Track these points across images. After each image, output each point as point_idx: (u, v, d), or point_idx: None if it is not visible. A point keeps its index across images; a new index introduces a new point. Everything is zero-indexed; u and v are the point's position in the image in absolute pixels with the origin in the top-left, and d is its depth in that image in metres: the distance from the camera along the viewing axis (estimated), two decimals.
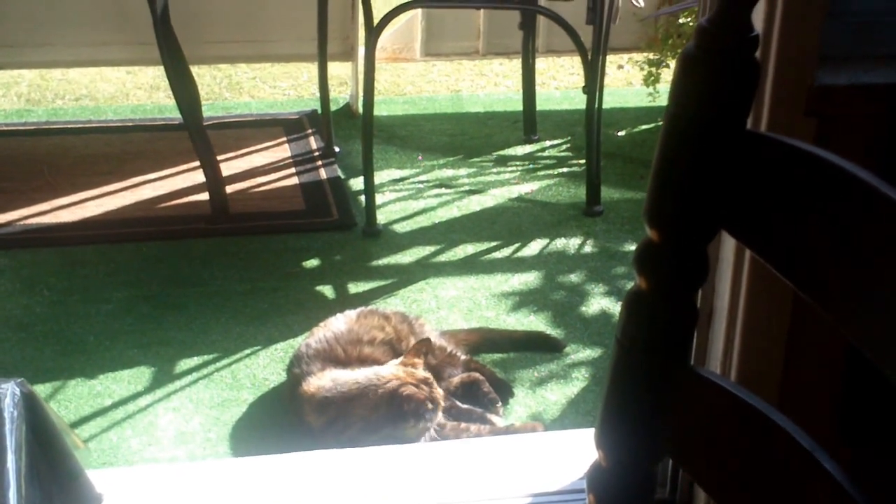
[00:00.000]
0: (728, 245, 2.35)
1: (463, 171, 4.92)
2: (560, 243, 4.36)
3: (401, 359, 3.33)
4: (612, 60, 5.16)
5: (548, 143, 5.18)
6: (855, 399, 2.42)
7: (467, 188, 4.77)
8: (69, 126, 5.19)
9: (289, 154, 4.98)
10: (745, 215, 1.18)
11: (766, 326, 2.35)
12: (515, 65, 5.70)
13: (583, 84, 4.61)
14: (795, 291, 1.15)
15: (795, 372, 2.40)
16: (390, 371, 3.27)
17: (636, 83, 5.68)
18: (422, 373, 3.28)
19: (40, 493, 1.88)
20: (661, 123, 4.44)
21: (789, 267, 1.16)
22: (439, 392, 3.25)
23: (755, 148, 1.16)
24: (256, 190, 4.69)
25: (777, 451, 1.17)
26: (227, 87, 5.76)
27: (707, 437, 1.26)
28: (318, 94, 5.09)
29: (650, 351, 1.26)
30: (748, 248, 1.20)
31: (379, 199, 4.55)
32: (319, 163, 4.90)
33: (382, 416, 3.18)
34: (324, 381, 3.30)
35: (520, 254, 4.30)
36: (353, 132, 5.06)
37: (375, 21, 4.38)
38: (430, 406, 3.18)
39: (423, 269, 4.18)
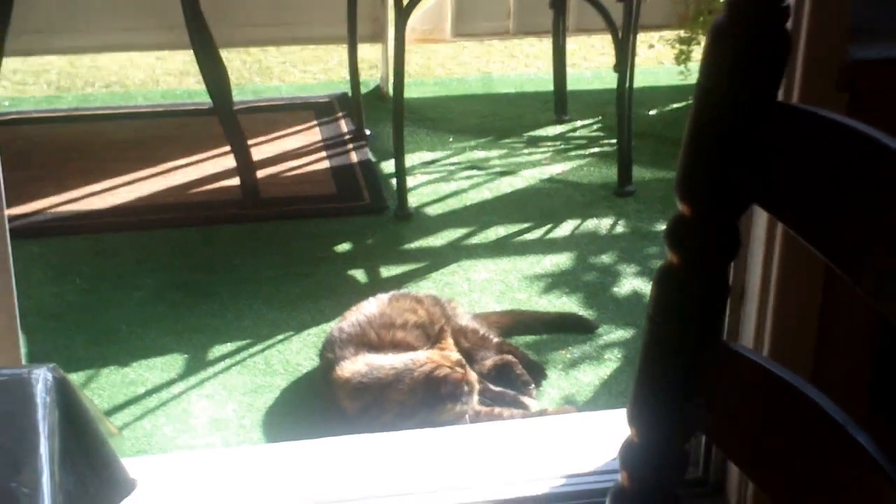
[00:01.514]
0: (760, 221, 2.34)
1: (494, 153, 4.91)
2: (592, 224, 4.34)
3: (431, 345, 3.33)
4: (642, 39, 5.13)
5: (579, 123, 5.15)
6: (888, 373, 2.40)
7: (498, 170, 4.76)
8: (99, 112, 5.19)
9: (319, 138, 4.97)
10: (778, 189, 1.17)
11: (798, 302, 2.34)
12: (546, 45, 5.67)
13: (613, 63, 4.59)
14: (828, 266, 1.14)
15: (828, 347, 2.38)
16: (425, 355, 3.27)
17: (667, 62, 5.65)
18: (455, 355, 3.28)
19: (74, 478, 1.88)
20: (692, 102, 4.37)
21: (822, 241, 1.15)
22: (473, 375, 3.25)
23: (787, 120, 1.15)
24: (287, 174, 4.69)
25: (810, 426, 1.16)
26: (257, 72, 5.75)
27: (740, 412, 1.25)
28: (348, 78, 5.08)
29: (682, 326, 1.26)
30: (780, 222, 1.19)
31: (410, 181, 4.54)
32: (350, 146, 4.89)
33: (420, 401, 3.17)
34: (358, 365, 3.30)
35: (551, 235, 4.28)
36: (384, 115, 5.04)
37: (405, 2, 4.36)
38: (466, 388, 3.18)
39: (455, 252, 4.17)
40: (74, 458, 1.95)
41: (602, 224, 4.34)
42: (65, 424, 1.94)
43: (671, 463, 1.33)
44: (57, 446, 1.84)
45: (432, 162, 4.83)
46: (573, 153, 4.89)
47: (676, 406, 1.28)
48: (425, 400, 3.17)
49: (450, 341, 3.30)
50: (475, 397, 3.21)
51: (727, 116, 1.18)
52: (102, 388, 3.43)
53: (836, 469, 1.13)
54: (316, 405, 3.38)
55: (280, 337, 3.69)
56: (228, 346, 3.64)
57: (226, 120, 4.33)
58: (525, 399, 3.35)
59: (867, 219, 1.09)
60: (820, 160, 1.13)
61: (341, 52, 5.63)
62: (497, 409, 3.27)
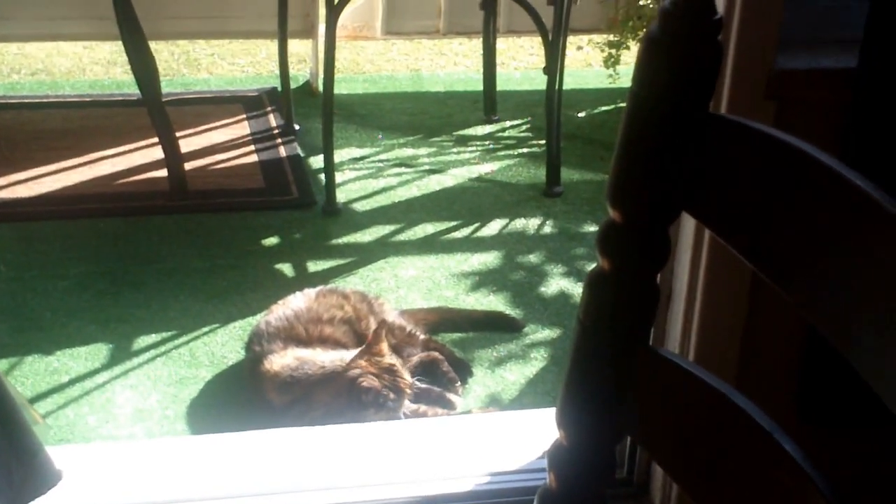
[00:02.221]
0: (687, 227, 2.36)
1: (423, 151, 4.92)
2: (519, 224, 4.37)
3: (365, 346, 3.32)
4: (571, 42, 5.15)
5: (508, 123, 5.18)
6: (813, 379, 2.43)
7: (427, 168, 4.77)
8: (26, 101, 5.16)
9: (248, 131, 4.96)
10: (708, 197, 1.19)
11: (724, 308, 2.37)
12: (475, 44, 5.70)
13: (542, 65, 4.61)
14: (754, 273, 1.16)
15: (754, 353, 2.41)
16: (355, 361, 3.26)
17: (595, 64, 5.69)
18: (388, 360, 3.27)
19: None
20: (620, 105, 4.47)
21: (750, 249, 1.16)
22: (406, 380, 3.24)
23: (718, 131, 1.17)
24: (215, 167, 4.68)
25: (736, 432, 1.18)
26: (185, 64, 5.73)
27: (667, 417, 1.27)
28: (276, 72, 5.08)
29: (612, 331, 1.27)
30: (710, 230, 1.21)
31: (339, 177, 4.55)
32: (279, 140, 4.89)
33: (345, 405, 3.18)
34: (287, 359, 3.30)
35: (479, 234, 4.31)
36: (313, 110, 5.05)
37: None
38: (391, 396, 3.19)
39: (383, 249, 4.18)
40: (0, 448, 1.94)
41: (530, 224, 4.36)
42: None
43: (599, 466, 1.34)
44: None
45: (361, 158, 4.84)
46: (502, 153, 4.91)
47: (605, 409, 1.30)
48: (350, 405, 3.18)
49: (384, 345, 3.29)
50: (404, 402, 3.22)
51: (659, 125, 1.19)
52: (25, 376, 3.41)
53: (763, 476, 1.15)
54: (241, 397, 3.38)
55: (205, 329, 3.68)
56: (153, 337, 3.63)
57: (154, 111, 4.31)
58: (451, 396, 3.37)
59: (795, 230, 1.11)
60: (750, 171, 1.14)
61: (269, 45, 5.63)
62: (423, 408, 3.29)
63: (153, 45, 4.31)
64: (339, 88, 4.87)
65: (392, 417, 3.19)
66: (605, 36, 5.33)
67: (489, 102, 5.21)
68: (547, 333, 3.72)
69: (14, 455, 1.98)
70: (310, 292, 3.58)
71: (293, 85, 5.13)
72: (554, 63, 4.48)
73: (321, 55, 4.61)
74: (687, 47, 1.15)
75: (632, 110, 1.21)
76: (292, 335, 3.39)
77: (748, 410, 1.16)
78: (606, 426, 1.31)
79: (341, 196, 4.47)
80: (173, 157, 4.39)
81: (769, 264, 1.15)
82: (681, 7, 1.14)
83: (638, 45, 5.10)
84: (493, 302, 3.88)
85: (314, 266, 4.08)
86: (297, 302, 3.52)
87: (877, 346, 1.04)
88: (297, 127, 4.96)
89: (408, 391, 3.23)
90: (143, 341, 3.61)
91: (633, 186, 1.23)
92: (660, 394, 1.26)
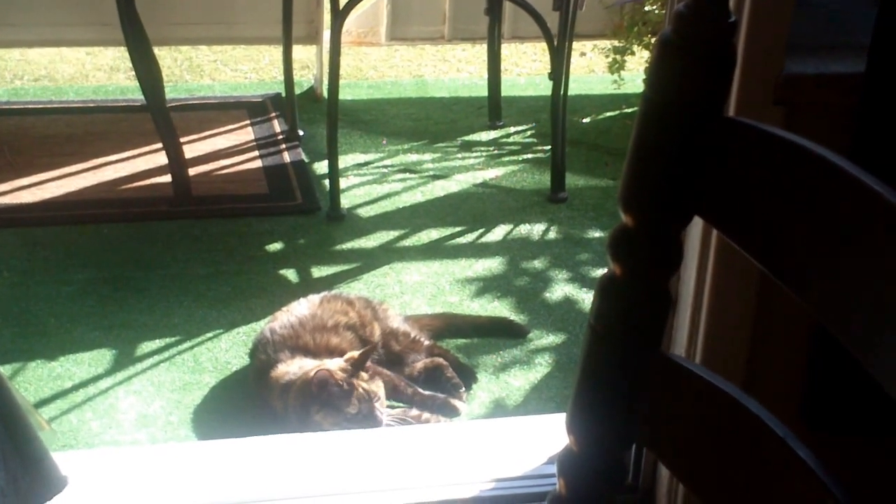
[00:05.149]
0: (694, 232, 2.36)
1: (427, 157, 4.91)
2: (524, 229, 4.36)
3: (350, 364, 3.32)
4: (575, 47, 5.15)
5: (512, 129, 5.18)
6: (819, 385, 2.43)
7: (432, 173, 4.77)
8: (30, 106, 5.15)
9: (252, 137, 4.96)
10: (721, 201, 1.18)
11: (731, 313, 2.36)
12: (478, 50, 5.70)
13: (546, 71, 4.61)
14: (761, 278, 1.15)
15: (760, 357, 2.41)
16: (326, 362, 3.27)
17: (599, 70, 5.68)
18: (367, 386, 3.25)
19: (4, 474, 1.87)
20: (625, 111, 4.44)
21: (764, 252, 1.16)
22: (374, 385, 3.22)
23: (733, 135, 1.16)
24: (219, 173, 4.67)
25: (749, 438, 1.17)
26: (188, 70, 5.73)
27: (679, 422, 1.26)
28: (279, 78, 5.07)
29: (624, 336, 1.26)
30: (722, 234, 1.20)
31: (343, 183, 4.54)
32: (283, 146, 4.89)
33: (302, 404, 3.18)
34: (292, 367, 3.30)
35: (484, 239, 4.30)
36: (318, 116, 5.05)
37: (342, 4, 4.35)
38: (344, 387, 3.16)
39: (387, 254, 4.17)
40: (6, 453, 1.94)
41: (534, 230, 4.36)
42: None
43: (610, 471, 1.33)
44: None
45: (365, 164, 4.84)
46: (507, 159, 4.91)
47: (617, 414, 1.29)
48: (305, 402, 3.17)
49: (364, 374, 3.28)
50: (352, 402, 3.17)
51: (672, 129, 1.19)
52: (29, 382, 3.40)
53: (775, 482, 1.14)
54: (244, 403, 3.37)
55: (209, 334, 3.67)
56: (157, 343, 3.62)
57: (158, 117, 4.31)
58: (455, 402, 3.36)
59: (809, 232, 1.10)
60: (764, 174, 1.14)
61: (272, 51, 5.62)
62: (425, 416, 3.28)
63: (156, 51, 4.31)
64: (344, 94, 4.87)
65: (337, 420, 3.16)
66: (608, 42, 5.33)
67: (494, 108, 5.20)
68: (552, 339, 3.71)
69: (20, 461, 1.97)
70: (314, 298, 3.57)
71: (297, 91, 5.13)
72: (559, 69, 4.48)
73: (325, 61, 4.61)
74: (701, 50, 1.15)
75: (644, 114, 1.20)
76: (299, 345, 3.39)
77: (761, 416, 1.15)
78: (618, 431, 1.31)
79: (345, 202, 4.46)
80: (177, 162, 4.38)
81: (782, 267, 1.14)
82: (695, 9, 1.13)
83: (643, 50, 5.10)
84: (497, 308, 3.87)
85: (318, 272, 4.07)
86: (302, 309, 3.51)
87: (892, 348, 1.03)
88: (301, 133, 4.95)
89: (377, 404, 3.21)
90: (146, 347, 3.60)
91: (646, 191, 1.22)
92: (672, 399, 1.26)
